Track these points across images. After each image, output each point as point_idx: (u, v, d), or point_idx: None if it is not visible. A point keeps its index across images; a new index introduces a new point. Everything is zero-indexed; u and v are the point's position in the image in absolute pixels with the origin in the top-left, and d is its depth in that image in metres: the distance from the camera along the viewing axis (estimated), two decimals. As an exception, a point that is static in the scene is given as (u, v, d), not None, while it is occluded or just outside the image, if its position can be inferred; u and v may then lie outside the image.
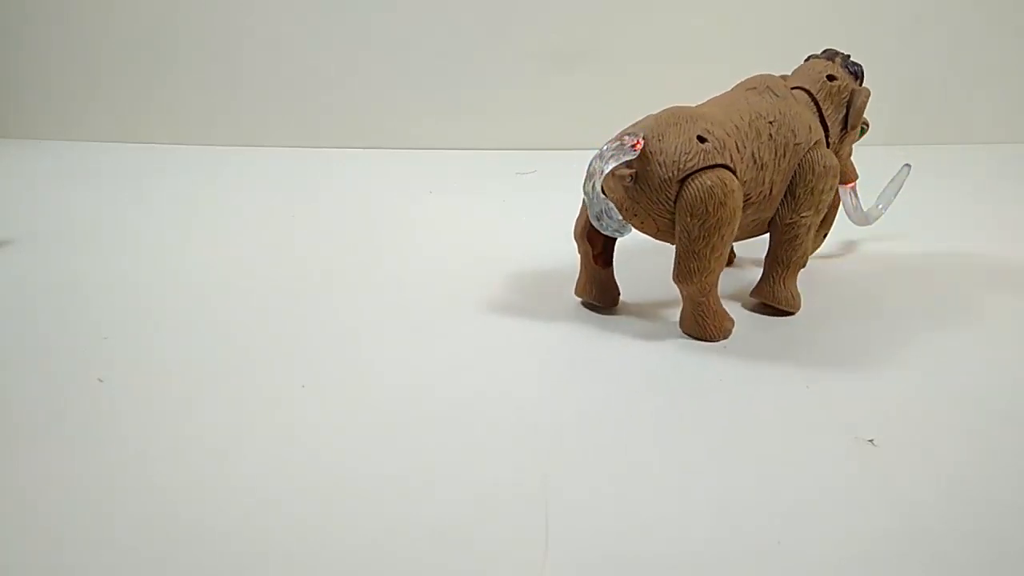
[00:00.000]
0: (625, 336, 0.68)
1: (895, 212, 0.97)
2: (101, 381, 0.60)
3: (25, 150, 1.35)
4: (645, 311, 0.73)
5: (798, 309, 0.72)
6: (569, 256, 0.86)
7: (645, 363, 0.63)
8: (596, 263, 0.71)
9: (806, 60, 0.78)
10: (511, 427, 0.54)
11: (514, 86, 1.37)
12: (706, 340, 0.67)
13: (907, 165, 0.85)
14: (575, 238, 0.71)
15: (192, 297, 0.76)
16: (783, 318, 0.71)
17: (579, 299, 0.74)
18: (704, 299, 0.66)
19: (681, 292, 0.67)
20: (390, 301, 0.75)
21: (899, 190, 0.85)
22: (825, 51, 0.77)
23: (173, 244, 0.90)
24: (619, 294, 0.73)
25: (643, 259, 0.84)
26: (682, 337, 0.68)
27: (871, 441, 0.53)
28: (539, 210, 1.03)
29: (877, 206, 0.84)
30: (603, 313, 0.73)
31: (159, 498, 0.47)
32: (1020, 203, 1.06)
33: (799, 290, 0.72)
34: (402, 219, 1.00)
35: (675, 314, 0.71)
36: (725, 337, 0.67)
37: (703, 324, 0.67)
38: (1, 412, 0.56)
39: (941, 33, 1.36)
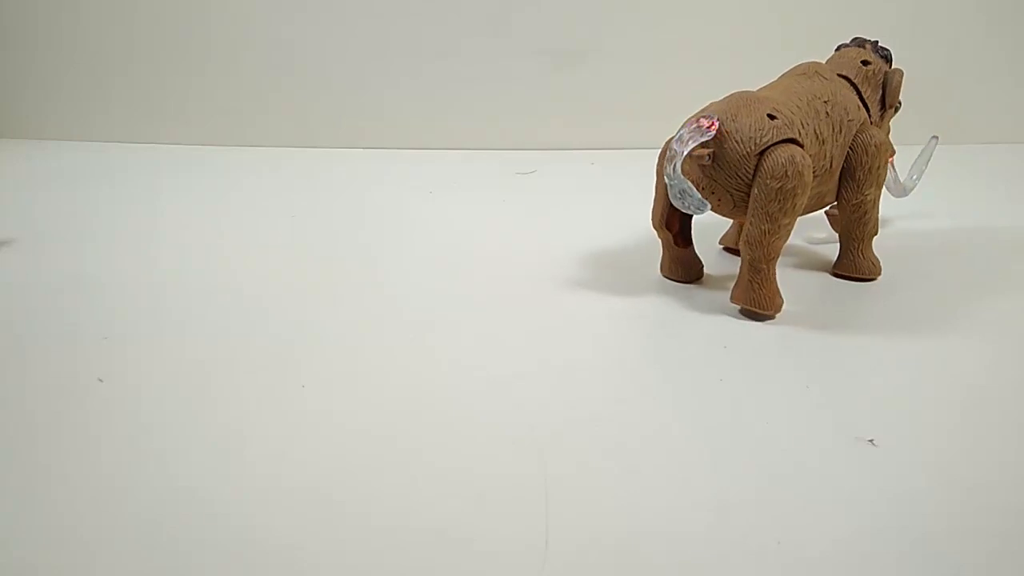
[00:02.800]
0: (616, 338, 0.68)
1: (892, 212, 0.97)
2: (101, 381, 0.60)
3: (25, 150, 1.35)
4: (661, 303, 0.73)
5: (879, 274, 0.79)
6: (566, 254, 0.86)
7: (643, 364, 0.63)
8: (677, 244, 0.77)
9: (837, 50, 0.83)
10: (509, 429, 0.54)
11: (514, 86, 1.37)
12: (757, 310, 0.70)
13: (935, 137, 0.88)
14: (654, 227, 0.77)
15: (192, 297, 0.76)
16: (771, 325, 0.71)
17: (664, 277, 0.80)
18: (765, 267, 0.69)
19: (744, 258, 0.70)
20: (389, 301, 0.75)
21: (929, 160, 0.88)
22: (854, 40, 0.84)
23: (173, 244, 0.90)
24: (703, 267, 0.79)
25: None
26: (680, 337, 0.68)
27: (871, 441, 0.53)
28: (540, 210, 1.03)
29: (911, 177, 0.87)
30: (692, 286, 0.78)
31: (159, 498, 0.47)
32: (1019, 203, 1.06)
33: (876, 256, 0.80)
34: (402, 219, 1.00)
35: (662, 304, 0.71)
36: (776, 312, 0.70)
37: (758, 293, 0.70)
38: (1, 412, 0.56)
39: (941, 33, 1.36)
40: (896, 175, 0.84)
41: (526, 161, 1.29)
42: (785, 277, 0.80)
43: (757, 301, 0.70)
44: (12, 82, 1.42)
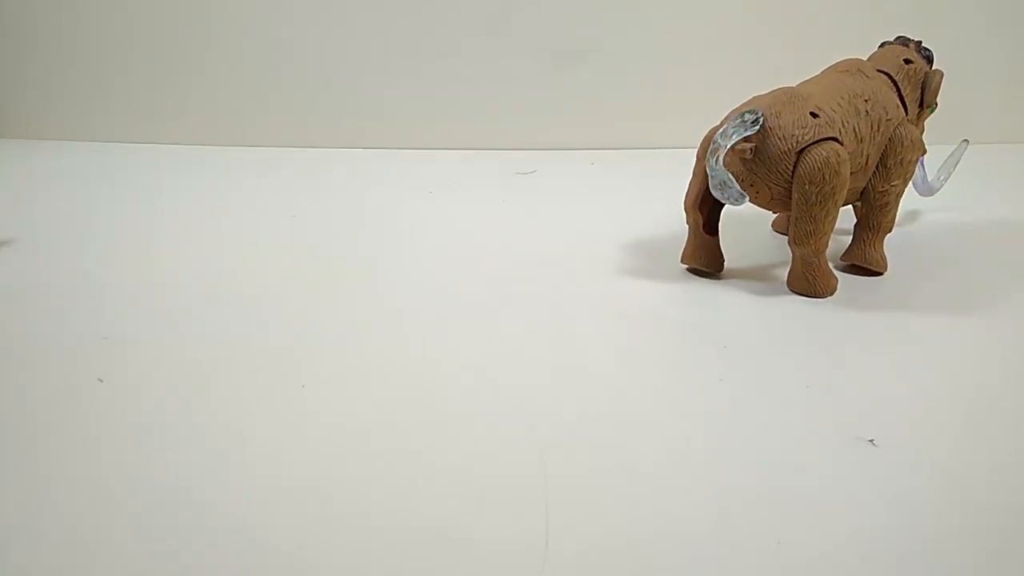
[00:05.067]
0: (615, 338, 0.68)
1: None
2: (101, 381, 0.60)
3: (25, 150, 1.35)
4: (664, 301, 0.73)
5: (886, 270, 0.80)
6: (565, 254, 0.86)
7: (642, 363, 0.63)
8: (704, 231, 0.78)
9: (880, 46, 0.86)
10: (509, 429, 0.54)
11: (514, 86, 1.37)
12: (815, 296, 0.74)
13: (965, 140, 0.90)
14: (685, 209, 0.78)
15: (192, 297, 0.76)
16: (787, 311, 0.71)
17: (685, 266, 0.81)
18: (815, 259, 0.73)
19: (794, 254, 0.74)
20: (389, 301, 0.75)
21: (957, 163, 0.90)
22: (898, 38, 0.86)
23: (173, 244, 0.90)
24: (723, 261, 0.80)
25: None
26: (680, 337, 0.68)
27: (871, 441, 0.53)
28: (540, 210, 1.03)
29: (939, 178, 0.89)
30: (710, 279, 0.80)
31: (159, 498, 0.47)
32: (1018, 203, 1.06)
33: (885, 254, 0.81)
34: (401, 219, 1.00)
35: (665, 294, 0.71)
36: (831, 294, 0.74)
37: (813, 282, 0.74)
38: (1, 412, 0.56)
39: (941, 33, 1.36)
40: (925, 174, 0.87)
41: (526, 161, 1.29)
42: (778, 273, 0.80)
43: (813, 289, 0.74)
44: (12, 82, 1.42)
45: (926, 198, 0.90)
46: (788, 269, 0.77)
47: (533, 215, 1.01)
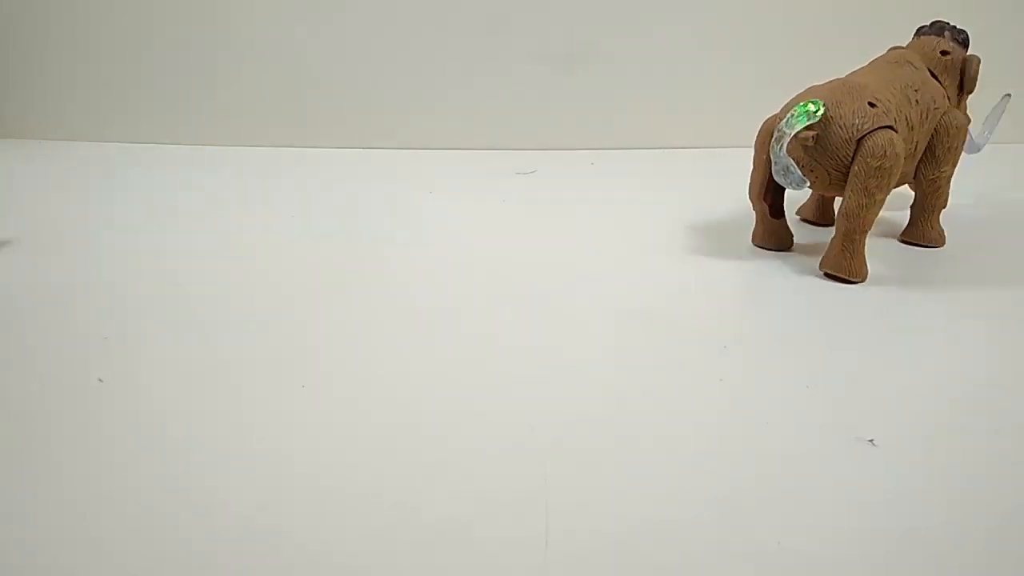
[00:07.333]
0: (615, 338, 0.68)
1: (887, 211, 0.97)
2: (101, 381, 0.60)
3: (25, 150, 1.35)
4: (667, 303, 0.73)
5: (944, 243, 0.88)
6: (566, 255, 0.86)
7: (642, 363, 0.63)
8: (771, 215, 0.84)
9: (916, 34, 0.91)
10: (510, 429, 0.54)
11: (514, 86, 1.37)
12: (846, 276, 0.78)
13: (1007, 95, 0.94)
14: (751, 199, 0.85)
15: (192, 297, 0.76)
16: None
17: (755, 246, 0.88)
18: (858, 238, 0.77)
19: (839, 229, 0.77)
20: (389, 301, 0.75)
21: (1001, 116, 0.94)
22: (934, 24, 0.89)
23: (172, 243, 0.90)
24: (793, 237, 0.87)
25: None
26: (679, 337, 0.68)
27: (871, 441, 0.53)
28: (539, 210, 1.03)
29: (983, 133, 0.93)
30: (775, 255, 0.85)
31: (158, 498, 0.47)
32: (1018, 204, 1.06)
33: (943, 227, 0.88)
34: (401, 219, 1.00)
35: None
36: (862, 280, 0.78)
37: (849, 261, 0.77)
38: (1, 412, 0.56)
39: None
40: (972, 139, 0.91)
41: (526, 161, 1.29)
42: (777, 270, 0.80)
43: (848, 269, 0.77)
44: (12, 82, 1.42)
45: (975, 154, 0.94)
46: (822, 254, 0.80)
47: (533, 215, 1.01)
